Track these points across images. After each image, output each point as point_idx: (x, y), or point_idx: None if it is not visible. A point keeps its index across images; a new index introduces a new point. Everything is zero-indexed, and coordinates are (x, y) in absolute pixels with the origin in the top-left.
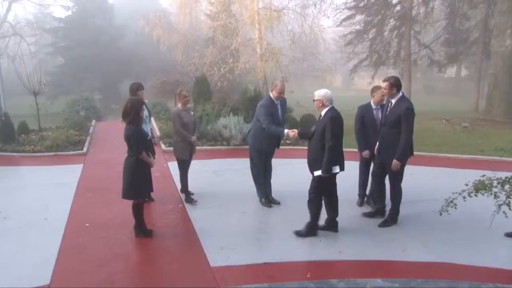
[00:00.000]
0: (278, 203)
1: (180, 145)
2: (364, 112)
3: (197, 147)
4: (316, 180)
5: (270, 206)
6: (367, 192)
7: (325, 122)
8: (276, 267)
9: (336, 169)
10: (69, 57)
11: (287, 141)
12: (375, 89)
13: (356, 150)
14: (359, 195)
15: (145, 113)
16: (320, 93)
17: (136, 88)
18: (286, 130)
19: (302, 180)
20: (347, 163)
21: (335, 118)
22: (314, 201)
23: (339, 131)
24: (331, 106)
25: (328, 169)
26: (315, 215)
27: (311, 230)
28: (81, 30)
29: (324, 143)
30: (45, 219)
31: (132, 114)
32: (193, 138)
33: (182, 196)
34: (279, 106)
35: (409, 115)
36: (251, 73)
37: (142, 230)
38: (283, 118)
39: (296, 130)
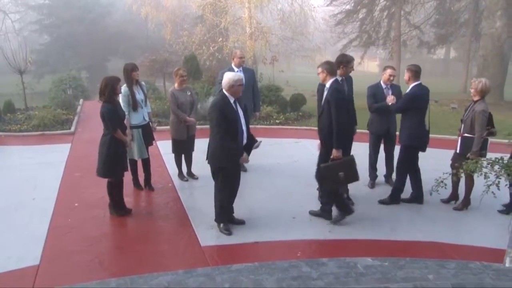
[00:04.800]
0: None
1: (176, 125)
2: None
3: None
4: None
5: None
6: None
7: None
8: (266, 246)
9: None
10: (55, 35)
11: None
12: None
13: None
14: (370, 176)
15: (141, 96)
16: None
17: (131, 69)
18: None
19: (290, 160)
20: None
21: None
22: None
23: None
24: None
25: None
26: None
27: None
28: (67, 7)
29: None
30: (33, 199)
31: (107, 91)
32: (188, 119)
33: (176, 176)
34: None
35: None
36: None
37: (116, 209)
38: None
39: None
